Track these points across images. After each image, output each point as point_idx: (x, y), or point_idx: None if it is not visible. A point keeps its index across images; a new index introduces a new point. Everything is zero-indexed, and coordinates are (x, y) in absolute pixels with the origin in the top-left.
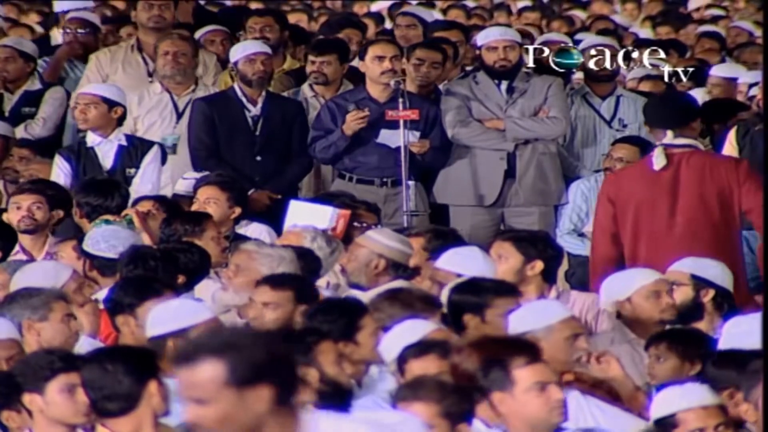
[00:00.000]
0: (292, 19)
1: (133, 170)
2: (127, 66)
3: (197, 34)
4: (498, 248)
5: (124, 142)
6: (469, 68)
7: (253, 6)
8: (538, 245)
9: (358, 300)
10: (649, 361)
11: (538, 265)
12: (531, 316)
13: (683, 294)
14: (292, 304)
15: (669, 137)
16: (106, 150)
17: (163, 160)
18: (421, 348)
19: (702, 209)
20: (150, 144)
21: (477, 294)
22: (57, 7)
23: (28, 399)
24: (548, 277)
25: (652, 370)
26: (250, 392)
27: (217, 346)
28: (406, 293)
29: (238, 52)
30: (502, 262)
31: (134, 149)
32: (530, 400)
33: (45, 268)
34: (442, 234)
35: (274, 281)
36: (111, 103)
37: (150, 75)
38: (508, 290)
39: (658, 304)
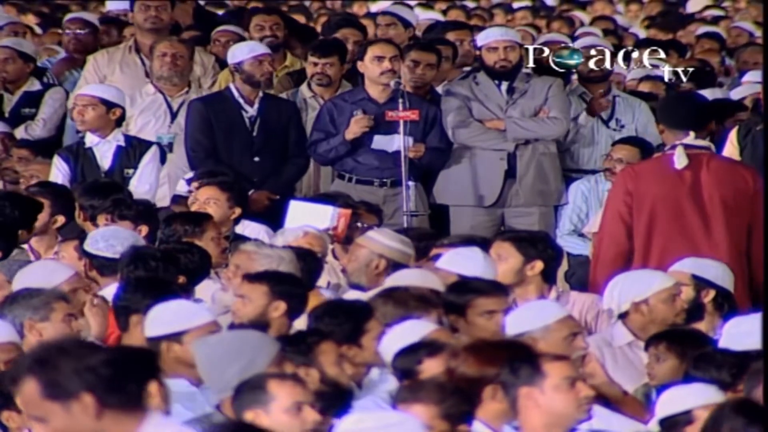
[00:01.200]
0: None
1: (131, 170)
2: (125, 67)
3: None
4: (498, 248)
5: (122, 143)
6: (466, 69)
7: (252, 6)
8: (538, 245)
9: (365, 303)
10: (648, 362)
11: (538, 265)
12: (528, 317)
13: (684, 294)
14: (267, 298)
15: (691, 138)
16: (104, 150)
17: (162, 160)
18: (436, 347)
19: (720, 212)
20: (148, 144)
21: (459, 294)
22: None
23: (7, 416)
24: (548, 277)
25: (651, 370)
26: (74, 403)
27: (29, 364)
28: (401, 292)
29: (243, 53)
30: (501, 262)
31: (132, 150)
32: (559, 395)
33: (42, 269)
34: (473, 242)
35: (250, 275)
36: (109, 105)
37: (148, 76)
38: (491, 290)
39: (673, 308)
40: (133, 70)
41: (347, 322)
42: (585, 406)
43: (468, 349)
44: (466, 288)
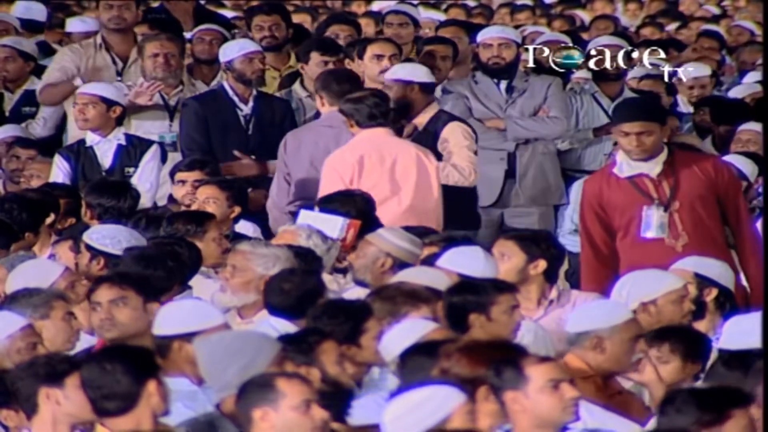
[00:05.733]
0: (296, 19)
1: (132, 169)
2: (96, 64)
3: (189, 33)
4: (501, 247)
5: (123, 142)
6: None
7: (255, 5)
8: (542, 244)
9: (363, 302)
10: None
11: (541, 264)
12: (596, 315)
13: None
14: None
15: None
16: (105, 149)
17: (164, 160)
18: None
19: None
20: (149, 143)
21: (478, 293)
22: (69, 26)
23: (46, 392)
24: (550, 276)
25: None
26: None
27: None
28: (391, 289)
29: (234, 51)
30: (504, 261)
31: (133, 148)
32: (544, 398)
33: (36, 267)
34: (455, 242)
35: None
36: (109, 103)
37: (119, 74)
38: (507, 287)
39: (681, 309)
40: (103, 68)
41: (346, 321)
42: (571, 407)
43: (461, 349)
44: (483, 286)
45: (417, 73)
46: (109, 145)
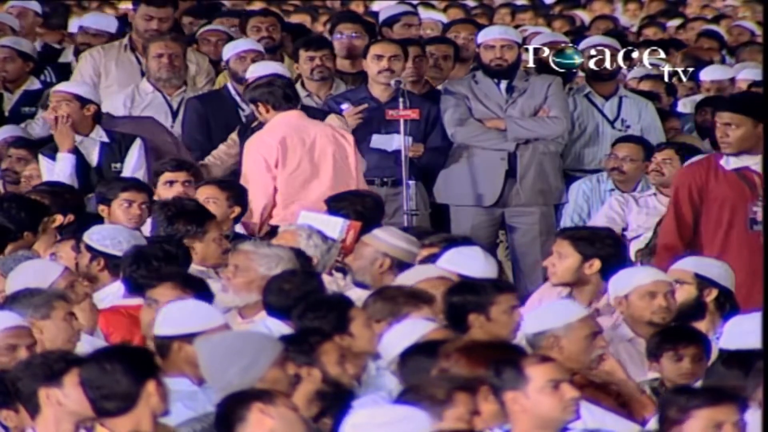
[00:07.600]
0: (296, 19)
1: (119, 165)
2: (121, 65)
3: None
4: (558, 246)
5: (106, 139)
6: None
7: (256, 6)
8: (597, 243)
9: (342, 294)
10: (667, 363)
11: (596, 263)
12: (550, 315)
13: (686, 293)
14: None
15: None
16: (89, 148)
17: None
18: None
19: None
20: (132, 137)
21: (478, 293)
22: (72, 26)
23: (45, 393)
24: (608, 274)
25: (669, 373)
26: None
27: None
28: (393, 290)
29: (229, 50)
30: (561, 261)
31: (117, 144)
32: (543, 398)
33: (35, 267)
34: (455, 242)
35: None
36: (83, 101)
37: (143, 74)
38: (507, 287)
39: (650, 306)
40: (128, 69)
41: (330, 313)
42: (571, 407)
43: (461, 349)
44: (482, 286)
45: (277, 68)
46: (92, 143)
